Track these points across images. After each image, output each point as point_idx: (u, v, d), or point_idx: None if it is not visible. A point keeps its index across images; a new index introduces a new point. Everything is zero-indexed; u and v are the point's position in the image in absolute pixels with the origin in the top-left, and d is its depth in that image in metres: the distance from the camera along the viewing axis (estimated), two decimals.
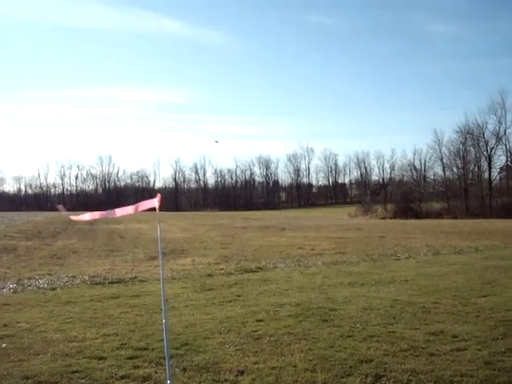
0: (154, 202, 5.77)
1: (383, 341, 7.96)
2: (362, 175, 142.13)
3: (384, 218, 68.38)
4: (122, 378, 6.52)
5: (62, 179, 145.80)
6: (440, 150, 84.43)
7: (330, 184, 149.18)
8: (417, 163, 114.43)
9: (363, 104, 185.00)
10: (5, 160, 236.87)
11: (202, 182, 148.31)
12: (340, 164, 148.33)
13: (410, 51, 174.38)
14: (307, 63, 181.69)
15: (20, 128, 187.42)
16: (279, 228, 41.52)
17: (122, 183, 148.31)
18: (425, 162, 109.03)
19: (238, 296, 12.04)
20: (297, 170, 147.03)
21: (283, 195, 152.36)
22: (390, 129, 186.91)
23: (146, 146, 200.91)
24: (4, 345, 8.09)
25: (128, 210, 6.15)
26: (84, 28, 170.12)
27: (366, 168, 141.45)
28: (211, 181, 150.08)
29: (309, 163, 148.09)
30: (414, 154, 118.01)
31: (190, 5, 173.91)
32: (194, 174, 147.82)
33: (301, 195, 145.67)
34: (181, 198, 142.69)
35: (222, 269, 17.03)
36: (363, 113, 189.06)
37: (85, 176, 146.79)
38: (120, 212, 6.21)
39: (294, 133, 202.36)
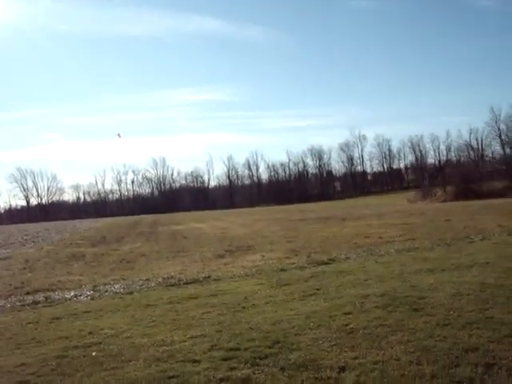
0: None
1: (483, 327, 7.56)
2: (417, 159, 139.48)
3: (444, 200, 66.91)
4: (221, 380, 6.33)
5: (119, 185, 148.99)
6: (498, 127, 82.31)
7: (385, 170, 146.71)
8: (473, 143, 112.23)
9: (413, 86, 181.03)
10: (63, 170, 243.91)
11: (255, 178, 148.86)
12: (394, 149, 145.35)
13: (459, 27, 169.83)
14: (350, 49, 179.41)
15: (75, 138, 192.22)
16: (339, 218, 40.89)
17: (178, 184, 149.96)
18: (482, 140, 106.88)
19: (318, 289, 11.73)
20: (350, 159, 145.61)
21: (338, 185, 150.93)
22: (443, 110, 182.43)
23: (197, 145, 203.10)
24: (94, 353, 8.05)
25: None
26: (128, 35, 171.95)
27: (421, 151, 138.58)
28: (264, 176, 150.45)
29: (362, 151, 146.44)
30: (470, 134, 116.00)
31: (227, 2, 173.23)
32: (246, 171, 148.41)
33: (356, 184, 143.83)
34: (235, 194, 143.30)
35: (294, 263, 16.77)
36: (414, 95, 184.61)
37: (140, 180, 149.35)
38: None
39: (345, 121, 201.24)
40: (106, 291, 14.40)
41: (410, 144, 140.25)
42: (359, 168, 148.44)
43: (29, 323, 11.04)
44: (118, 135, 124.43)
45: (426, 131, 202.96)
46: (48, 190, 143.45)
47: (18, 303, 13.77)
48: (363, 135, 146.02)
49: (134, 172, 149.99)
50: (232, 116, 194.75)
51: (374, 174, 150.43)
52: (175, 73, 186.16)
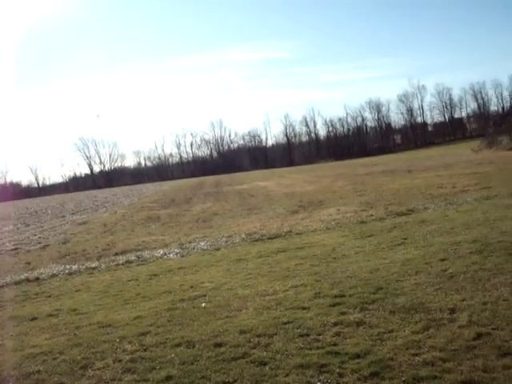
0: None
1: None
2: (479, 107, 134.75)
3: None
4: (335, 324, 6.63)
5: (178, 148, 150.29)
6: None
7: (446, 120, 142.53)
8: None
9: (471, 30, 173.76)
10: (123, 137, 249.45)
11: (313, 135, 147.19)
12: (455, 98, 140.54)
13: None
14: None
15: (134, 103, 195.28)
16: (406, 170, 40.34)
17: (235, 145, 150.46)
18: None
19: (405, 239, 11.86)
20: (409, 110, 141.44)
21: (398, 137, 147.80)
22: (505, 53, 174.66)
23: (253, 105, 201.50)
24: (203, 304, 8.48)
25: None
26: None
27: (483, 99, 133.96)
28: (322, 132, 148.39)
29: (421, 101, 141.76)
30: None
31: None
32: (304, 128, 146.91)
33: (416, 135, 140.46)
34: (294, 152, 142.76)
35: (372, 215, 16.83)
36: (473, 40, 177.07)
37: (199, 142, 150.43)
38: None
39: (403, 71, 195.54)
40: (194, 248, 14.93)
41: (471, 92, 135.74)
42: (419, 119, 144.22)
43: (129, 280, 11.64)
44: (97, 116, 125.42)
45: (488, 78, 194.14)
46: (110, 156, 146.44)
47: (111, 263, 14.44)
48: (422, 85, 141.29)
49: (192, 135, 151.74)
50: (286, 73, 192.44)
51: (435, 125, 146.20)
52: (226, 32, 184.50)
